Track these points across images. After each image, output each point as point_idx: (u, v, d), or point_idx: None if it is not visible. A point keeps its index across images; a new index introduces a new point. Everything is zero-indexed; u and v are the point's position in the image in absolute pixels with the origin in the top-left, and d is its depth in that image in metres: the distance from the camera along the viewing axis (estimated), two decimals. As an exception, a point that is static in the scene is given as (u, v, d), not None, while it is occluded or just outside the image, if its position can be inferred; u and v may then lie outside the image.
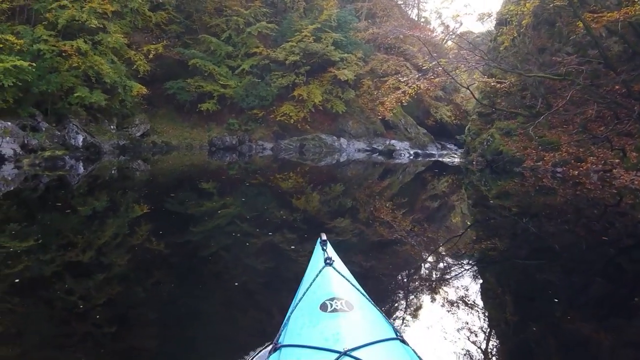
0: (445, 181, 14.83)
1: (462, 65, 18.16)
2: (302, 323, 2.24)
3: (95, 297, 4.15)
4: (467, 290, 4.72)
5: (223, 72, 24.68)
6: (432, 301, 4.47)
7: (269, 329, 3.29)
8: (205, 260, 5.57)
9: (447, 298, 4.49)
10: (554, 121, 16.38)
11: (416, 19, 41.62)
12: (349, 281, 2.48)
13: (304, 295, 2.45)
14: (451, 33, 21.30)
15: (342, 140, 26.46)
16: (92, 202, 8.92)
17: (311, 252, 3.10)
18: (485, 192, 12.21)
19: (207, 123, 24.88)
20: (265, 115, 25.70)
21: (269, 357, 2.19)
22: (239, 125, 25.11)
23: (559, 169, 14.56)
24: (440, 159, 22.67)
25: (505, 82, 17.73)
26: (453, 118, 32.18)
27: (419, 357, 2.17)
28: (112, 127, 19.42)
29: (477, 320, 3.96)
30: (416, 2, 42.88)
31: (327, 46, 25.62)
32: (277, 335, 2.32)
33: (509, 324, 4.04)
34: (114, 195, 9.92)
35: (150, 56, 21.54)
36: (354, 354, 1.86)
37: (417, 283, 5.11)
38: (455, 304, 4.29)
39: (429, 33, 28.00)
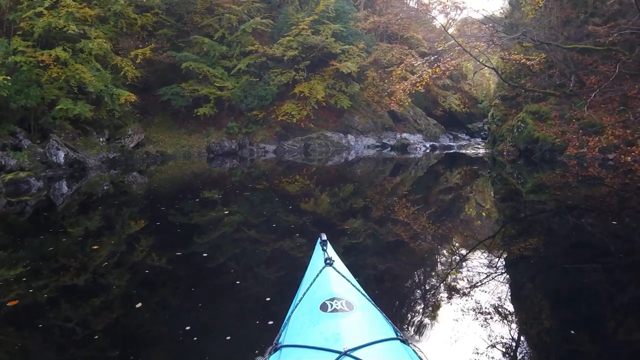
0: (469, 176, 13.60)
1: (484, 43, 16.70)
2: (302, 323, 2.26)
3: (94, 321, 3.96)
4: (479, 291, 4.42)
5: (218, 73, 23.73)
6: (438, 303, 4.26)
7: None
8: (213, 272, 5.35)
9: (449, 299, 4.28)
10: (590, 101, 14.80)
11: (416, 7, 40.36)
12: (349, 281, 2.51)
13: (304, 295, 2.47)
14: (457, 12, 19.71)
15: (350, 136, 25.37)
16: (84, 222, 8.29)
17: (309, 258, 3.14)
18: (518, 185, 11.00)
19: (205, 128, 23.91)
20: (266, 115, 24.75)
21: (269, 357, 2.19)
22: (239, 128, 24.09)
23: (610, 156, 12.97)
24: (461, 151, 21.26)
25: (535, 59, 16.15)
26: (462, 107, 31.25)
27: (419, 357, 2.17)
28: (101, 139, 18.38)
29: (479, 321, 3.79)
30: (415, -12, 41.61)
31: (327, 38, 24.62)
32: (277, 335, 2.34)
33: (524, 324, 3.83)
34: (108, 212, 9.24)
35: (138, 61, 20.52)
36: (354, 354, 1.86)
37: (430, 284, 4.87)
38: (459, 306, 4.07)
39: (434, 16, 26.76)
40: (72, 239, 6.94)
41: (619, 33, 13.81)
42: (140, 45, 22.29)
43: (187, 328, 3.71)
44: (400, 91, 18.24)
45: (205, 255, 5.90)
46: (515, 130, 16.33)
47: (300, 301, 2.45)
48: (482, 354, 3.31)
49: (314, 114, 24.76)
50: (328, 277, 2.54)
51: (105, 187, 13.25)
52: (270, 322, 3.79)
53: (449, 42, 17.52)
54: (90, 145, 17.65)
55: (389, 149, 24.25)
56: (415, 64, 18.91)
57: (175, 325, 3.80)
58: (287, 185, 12.59)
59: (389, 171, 15.93)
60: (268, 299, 4.39)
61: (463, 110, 31.50)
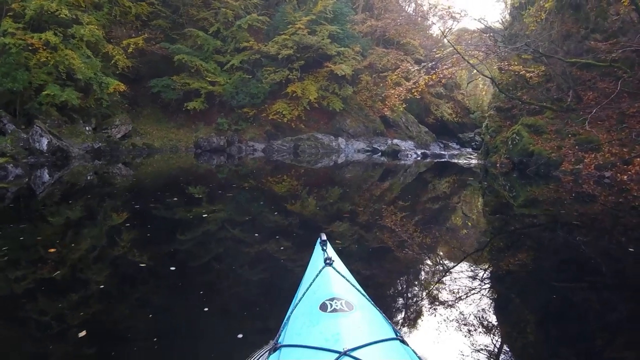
0: (463, 186, 13.50)
1: (482, 52, 16.64)
2: (301, 323, 2.26)
3: (71, 316, 3.79)
4: (470, 295, 4.45)
5: (211, 68, 23.59)
6: (432, 303, 4.29)
7: (264, 336, 3.32)
8: (195, 271, 5.19)
9: (448, 301, 4.31)
10: (590, 117, 14.54)
11: (414, 14, 40.44)
12: (349, 281, 2.52)
13: (303, 295, 2.48)
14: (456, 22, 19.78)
15: (340, 139, 25.29)
16: (64, 212, 8.08)
17: (308, 258, 3.14)
18: (509, 198, 10.89)
19: (194, 123, 23.74)
20: (257, 113, 24.64)
21: (268, 357, 2.19)
22: (229, 125, 23.94)
23: (606, 174, 12.75)
24: (453, 161, 21.16)
25: (534, 72, 16.03)
26: (454, 116, 31.36)
27: (418, 357, 2.18)
28: (87, 128, 18.10)
29: (479, 322, 3.86)
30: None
31: (323, 39, 24.55)
32: (277, 335, 2.34)
33: (516, 331, 3.92)
34: (90, 203, 9.03)
35: (130, 50, 20.32)
36: (353, 354, 1.87)
37: (419, 288, 4.90)
38: (457, 308, 4.12)
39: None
40: (51, 230, 6.76)
41: (622, 50, 13.74)
42: (133, 35, 22.03)
43: (168, 325, 3.68)
44: (395, 96, 18.13)
45: (188, 253, 5.81)
46: (510, 143, 16.13)
47: (299, 301, 2.46)
48: (480, 353, 3.35)
49: (306, 114, 24.70)
50: (328, 277, 2.55)
51: (88, 178, 12.98)
52: (252, 322, 3.79)
53: (448, 49, 17.45)
54: (75, 133, 17.39)
55: (380, 154, 24.15)
56: (412, 69, 18.84)
57: (155, 322, 3.74)
58: (274, 186, 12.47)
59: (380, 177, 15.75)
60: (250, 299, 4.34)
61: (455, 119, 31.63)
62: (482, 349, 3.41)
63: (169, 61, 23.02)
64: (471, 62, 17.04)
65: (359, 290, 2.48)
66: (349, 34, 26.95)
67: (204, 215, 8.05)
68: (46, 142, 15.47)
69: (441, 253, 6.25)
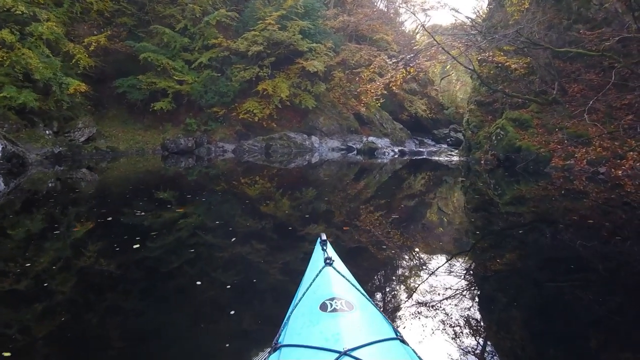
0: (453, 186, 13.30)
1: (462, 44, 16.52)
2: (302, 323, 2.28)
3: (36, 328, 3.70)
4: (470, 295, 4.54)
5: (178, 66, 23.16)
6: (432, 303, 4.28)
7: (243, 338, 3.42)
8: (166, 277, 5.15)
9: (448, 300, 4.33)
10: (574, 110, 14.46)
11: (386, 10, 40.53)
12: (349, 281, 2.55)
13: (303, 295, 2.51)
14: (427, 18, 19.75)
15: (314, 138, 25.09)
16: (24, 223, 7.72)
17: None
18: (494, 196, 10.74)
19: (161, 124, 23.31)
20: (227, 113, 24.30)
21: (268, 356, 2.21)
22: (198, 125, 23.56)
23: (601, 169, 12.37)
24: (433, 158, 20.98)
25: (519, 63, 15.86)
26: (428, 112, 31.51)
27: (419, 357, 2.20)
28: (48, 132, 17.46)
29: (478, 322, 3.91)
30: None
31: (294, 35, 24.33)
32: (277, 335, 2.36)
33: (516, 330, 3.90)
34: (54, 211, 8.70)
35: (91, 48, 19.79)
36: (354, 354, 1.89)
37: (418, 288, 4.78)
38: (457, 307, 4.16)
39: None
40: (13, 242, 6.46)
41: (616, 38, 13.51)
42: (96, 33, 21.43)
43: (138, 332, 3.67)
44: (372, 91, 17.90)
45: (158, 260, 5.69)
46: (494, 138, 15.85)
47: (299, 301, 2.49)
48: (481, 352, 3.41)
49: (277, 113, 24.46)
50: (328, 276, 2.58)
51: (50, 185, 12.49)
52: (227, 325, 3.81)
53: (425, 42, 17.34)
54: (35, 137, 16.74)
55: (355, 152, 24.03)
56: (389, 62, 18.65)
57: (125, 329, 3.72)
58: (246, 187, 12.28)
59: (354, 175, 15.68)
60: (225, 303, 4.32)
61: (429, 115, 31.81)
62: (482, 348, 3.46)
63: (134, 60, 22.49)
64: (452, 53, 16.90)
65: (359, 290, 2.51)
66: (320, 29, 26.81)
67: (180, 214, 7.93)
68: (0, 148, 14.76)
69: (439, 253, 6.21)
